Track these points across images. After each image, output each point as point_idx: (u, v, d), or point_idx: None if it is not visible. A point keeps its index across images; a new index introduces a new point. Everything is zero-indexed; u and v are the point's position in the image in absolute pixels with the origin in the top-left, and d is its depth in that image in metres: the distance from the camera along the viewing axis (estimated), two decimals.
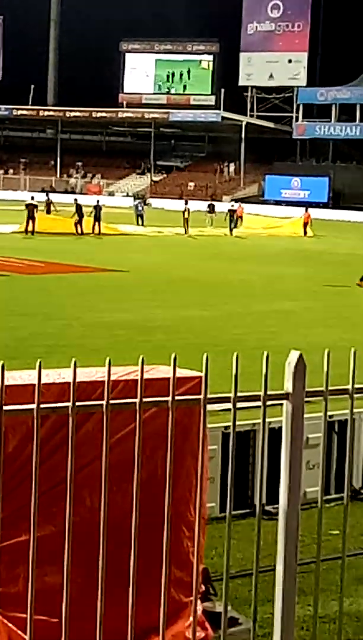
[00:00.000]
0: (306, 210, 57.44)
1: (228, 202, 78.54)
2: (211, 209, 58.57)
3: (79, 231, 47.12)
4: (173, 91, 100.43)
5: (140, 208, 57.02)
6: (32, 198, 49.11)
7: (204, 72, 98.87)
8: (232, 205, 56.54)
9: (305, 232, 53.85)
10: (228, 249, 42.71)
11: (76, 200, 50.13)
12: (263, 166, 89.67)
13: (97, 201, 49.69)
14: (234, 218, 53.11)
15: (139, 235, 49.20)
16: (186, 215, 50.08)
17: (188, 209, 50.65)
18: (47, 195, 57.61)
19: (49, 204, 53.80)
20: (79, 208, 47.47)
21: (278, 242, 47.83)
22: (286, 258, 38.40)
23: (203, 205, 61.45)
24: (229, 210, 54.30)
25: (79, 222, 47.35)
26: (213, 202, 62.69)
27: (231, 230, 52.29)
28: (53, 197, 60.29)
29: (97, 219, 47.85)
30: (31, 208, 46.61)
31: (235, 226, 52.92)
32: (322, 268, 34.63)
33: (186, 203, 51.89)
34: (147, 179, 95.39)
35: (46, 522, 5.23)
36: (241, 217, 56.59)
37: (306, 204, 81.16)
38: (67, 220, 48.18)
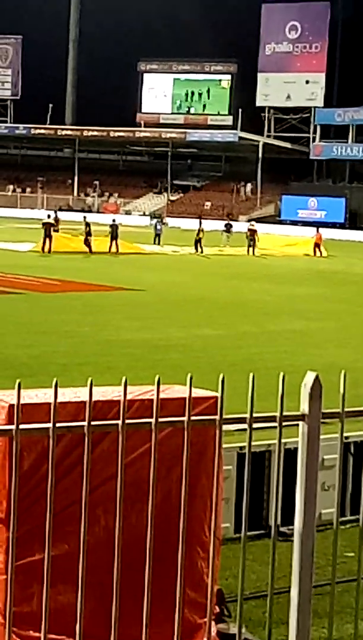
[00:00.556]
0: (317, 231, 56.87)
1: (245, 221, 78.69)
2: (228, 228, 58.51)
3: (88, 249, 47.06)
4: (190, 111, 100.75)
5: (158, 227, 57.11)
6: (49, 217, 49.20)
7: (222, 92, 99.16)
8: (252, 225, 56.40)
9: (316, 253, 53.31)
10: (245, 268, 42.72)
11: (85, 217, 50.20)
12: (280, 186, 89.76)
13: (113, 220, 49.78)
14: (254, 237, 52.90)
15: (156, 254, 49.27)
16: (200, 235, 49.95)
17: (203, 230, 50.60)
18: (55, 213, 57.12)
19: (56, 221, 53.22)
20: (87, 226, 47.47)
21: (294, 262, 47.82)
22: (302, 278, 38.38)
23: (219, 225, 61.44)
24: (249, 230, 54.20)
25: (86, 240, 47.30)
26: (230, 222, 62.71)
27: (251, 249, 52.12)
28: (68, 215, 60.33)
29: (114, 237, 47.89)
30: (48, 227, 46.65)
31: (254, 245, 52.70)
32: (337, 288, 34.59)
33: (201, 224, 51.78)
34: (164, 199, 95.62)
35: (60, 541, 5.22)
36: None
37: (322, 224, 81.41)
38: (80, 239, 48.14)
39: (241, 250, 52.32)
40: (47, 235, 46.20)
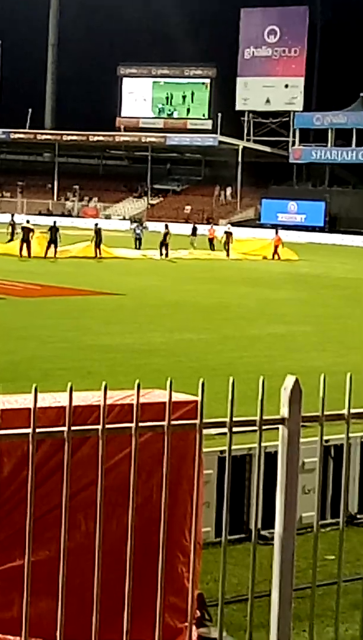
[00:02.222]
0: (276, 233, 56.65)
1: (224, 224, 78.88)
2: (194, 231, 59.15)
3: (98, 254, 47.17)
4: (170, 115, 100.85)
5: (138, 231, 57.08)
6: (28, 222, 49.06)
7: (202, 96, 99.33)
8: (229, 228, 56.70)
9: (275, 256, 52.93)
10: (225, 273, 42.76)
11: (96, 224, 50.10)
12: (260, 190, 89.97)
13: (96, 224, 49.74)
14: (229, 240, 53.29)
15: (136, 259, 49.23)
16: (168, 240, 49.53)
17: (169, 233, 50.47)
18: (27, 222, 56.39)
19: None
20: (98, 232, 47.51)
21: (274, 266, 47.92)
22: (282, 282, 38.44)
23: (203, 230, 61.81)
24: (226, 233, 54.46)
25: (98, 245, 47.34)
26: (196, 225, 63.01)
27: (229, 252, 52.52)
28: (47, 220, 60.12)
29: (97, 244, 47.70)
30: (26, 231, 46.52)
31: (229, 248, 52.99)
32: (317, 292, 34.67)
33: (167, 227, 51.72)
34: (144, 203, 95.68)
35: (41, 547, 5.21)
36: (212, 240, 56.71)
37: (302, 228, 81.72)
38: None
39: (211, 253, 52.96)
40: (25, 239, 46.06)
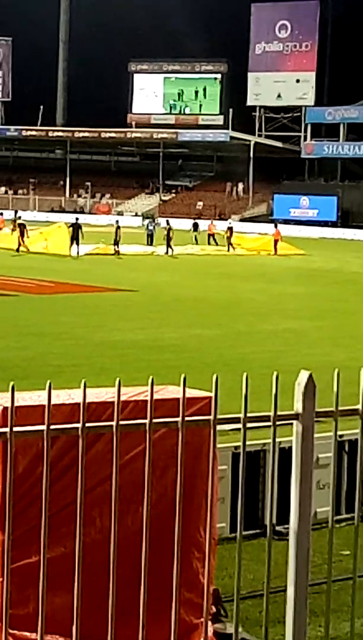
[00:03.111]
0: (275, 227, 56.47)
1: (237, 220, 78.86)
2: (195, 227, 59.19)
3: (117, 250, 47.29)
4: (182, 111, 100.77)
5: (151, 227, 57.07)
6: (19, 217, 49.34)
7: (213, 92, 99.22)
8: (230, 223, 56.84)
9: (276, 250, 52.73)
10: (236, 268, 42.74)
11: (117, 221, 50.11)
12: (272, 185, 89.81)
13: (116, 221, 49.90)
14: (231, 235, 53.55)
15: (148, 255, 49.25)
16: (170, 235, 49.32)
17: (172, 229, 50.53)
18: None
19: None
20: (118, 229, 47.52)
21: (286, 261, 47.85)
22: (294, 277, 38.39)
23: (218, 225, 61.82)
24: (228, 228, 54.69)
25: (116, 243, 47.35)
26: (197, 221, 63.00)
27: (230, 247, 52.78)
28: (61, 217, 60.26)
29: (116, 242, 47.58)
30: (22, 227, 46.80)
31: (230, 243, 53.18)
32: (330, 287, 34.62)
33: (168, 223, 51.73)
34: (156, 199, 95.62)
35: (56, 543, 5.22)
36: (213, 235, 56.75)
37: (315, 223, 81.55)
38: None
39: (211, 249, 53.25)
40: (23, 234, 46.25)
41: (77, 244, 45.69)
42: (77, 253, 45.52)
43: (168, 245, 49.16)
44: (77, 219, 49.21)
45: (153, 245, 53.79)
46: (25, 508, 5.37)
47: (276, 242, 53.42)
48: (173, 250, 49.14)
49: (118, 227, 47.80)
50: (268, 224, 79.06)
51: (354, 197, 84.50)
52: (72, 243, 45.70)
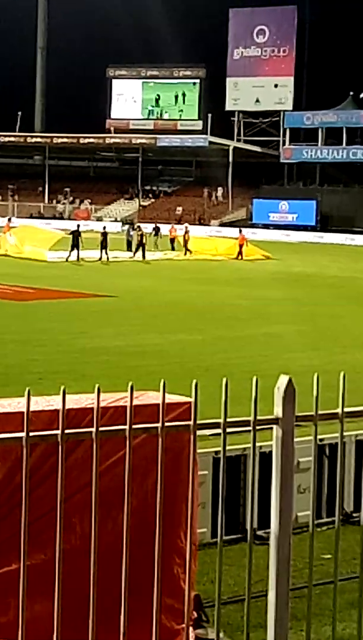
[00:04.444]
0: (240, 232, 56.20)
1: (217, 225, 78.97)
2: (157, 231, 59.41)
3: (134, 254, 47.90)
4: (160, 116, 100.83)
5: (131, 233, 57.08)
6: None
7: (191, 97, 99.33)
8: (186, 227, 56.84)
9: (240, 255, 52.23)
10: (217, 273, 42.78)
11: (104, 228, 50.29)
12: (251, 190, 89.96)
13: (104, 228, 49.97)
14: (187, 239, 53.59)
15: (127, 261, 49.22)
16: (144, 240, 49.55)
17: (144, 234, 50.36)
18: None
19: None
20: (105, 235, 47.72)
21: (266, 266, 47.92)
22: (275, 281, 38.46)
23: (197, 230, 61.90)
24: (185, 232, 55.02)
25: (105, 248, 47.48)
26: (158, 225, 63.11)
27: (187, 251, 52.87)
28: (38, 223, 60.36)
29: (104, 246, 47.63)
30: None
31: (177, 249, 53.23)
32: (310, 291, 34.69)
33: (140, 228, 51.91)
34: (135, 204, 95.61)
35: (36, 550, 5.20)
36: (174, 240, 56.72)
37: (294, 227, 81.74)
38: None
39: (173, 254, 53.36)
40: None
41: (78, 250, 46.16)
42: (78, 258, 46.04)
43: (142, 250, 49.45)
44: (78, 226, 49.62)
45: (131, 251, 53.78)
46: (5, 516, 5.35)
47: (241, 247, 52.92)
48: (144, 255, 49.41)
49: (105, 234, 48.00)
50: (248, 228, 79.35)
51: (333, 202, 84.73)
52: (72, 249, 46.03)
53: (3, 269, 39.98)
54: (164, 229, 61.24)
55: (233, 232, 66.30)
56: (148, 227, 52.49)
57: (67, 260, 45.56)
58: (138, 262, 48.17)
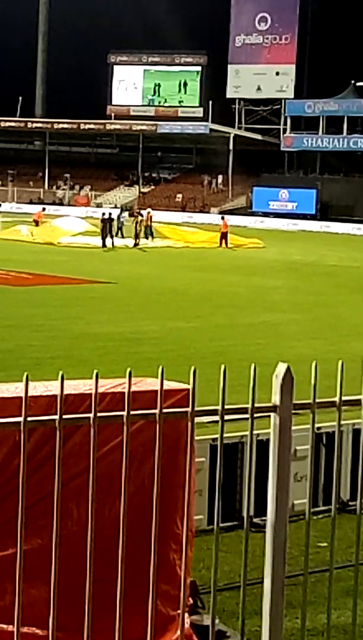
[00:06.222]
0: (222, 219, 54.37)
1: (216, 213, 78.77)
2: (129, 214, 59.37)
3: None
4: (161, 103, 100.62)
5: (121, 219, 56.69)
6: None
7: (192, 84, 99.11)
8: (149, 212, 55.73)
9: (222, 243, 50.99)
10: (215, 260, 42.74)
11: (110, 214, 50.29)
12: (251, 178, 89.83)
13: (110, 214, 49.99)
14: (151, 224, 53.24)
15: (125, 248, 49.16)
16: (138, 227, 49.60)
17: (138, 221, 50.29)
18: None
19: None
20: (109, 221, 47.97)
21: (265, 254, 47.85)
22: (273, 270, 38.42)
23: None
24: (148, 217, 54.47)
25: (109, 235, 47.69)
26: (136, 213, 62.86)
27: (150, 237, 52.49)
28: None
29: (108, 234, 47.74)
30: None
31: (151, 235, 52.85)
32: (309, 280, 34.67)
33: (140, 214, 51.97)
34: (135, 191, 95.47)
35: (33, 535, 5.21)
36: (149, 227, 55.80)
37: (294, 216, 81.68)
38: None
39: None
40: None
41: (112, 237, 47.28)
42: (113, 245, 46.98)
43: (136, 237, 49.41)
44: (110, 213, 50.00)
45: (123, 237, 53.44)
46: (1, 500, 5.36)
47: (224, 234, 51.58)
48: (137, 243, 49.44)
49: (110, 219, 48.20)
50: (248, 216, 79.24)
51: (333, 190, 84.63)
52: (105, 236, 46.74)
53: (3, 255, 39.94)
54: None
55: (233, 220, 66.11)
56: (137, 214, 52.28)
57: (104, 245, 46.40)
58: (138, 249, 48.13)
